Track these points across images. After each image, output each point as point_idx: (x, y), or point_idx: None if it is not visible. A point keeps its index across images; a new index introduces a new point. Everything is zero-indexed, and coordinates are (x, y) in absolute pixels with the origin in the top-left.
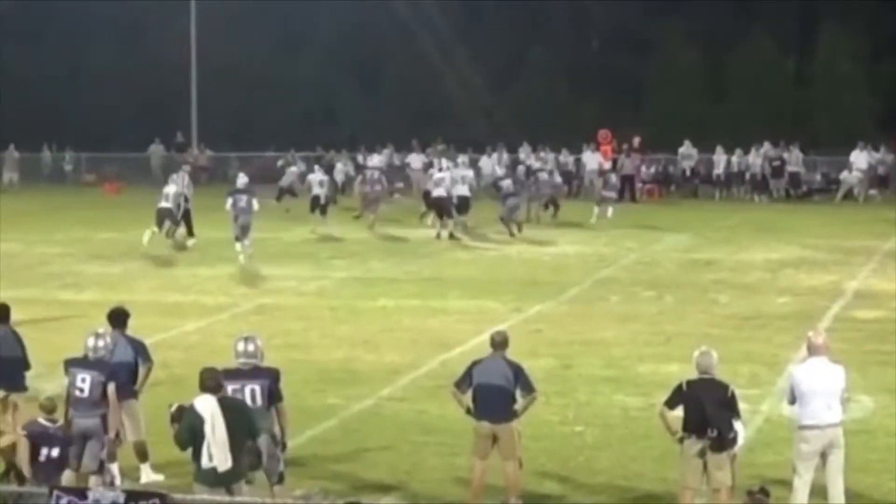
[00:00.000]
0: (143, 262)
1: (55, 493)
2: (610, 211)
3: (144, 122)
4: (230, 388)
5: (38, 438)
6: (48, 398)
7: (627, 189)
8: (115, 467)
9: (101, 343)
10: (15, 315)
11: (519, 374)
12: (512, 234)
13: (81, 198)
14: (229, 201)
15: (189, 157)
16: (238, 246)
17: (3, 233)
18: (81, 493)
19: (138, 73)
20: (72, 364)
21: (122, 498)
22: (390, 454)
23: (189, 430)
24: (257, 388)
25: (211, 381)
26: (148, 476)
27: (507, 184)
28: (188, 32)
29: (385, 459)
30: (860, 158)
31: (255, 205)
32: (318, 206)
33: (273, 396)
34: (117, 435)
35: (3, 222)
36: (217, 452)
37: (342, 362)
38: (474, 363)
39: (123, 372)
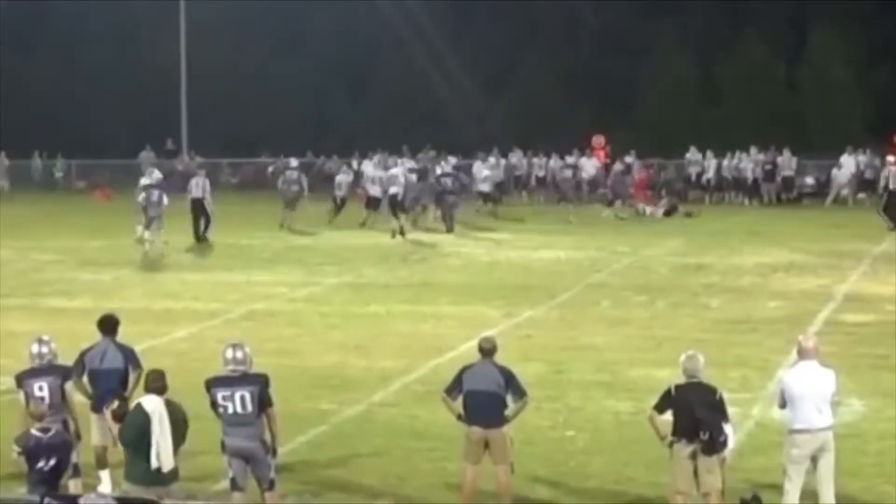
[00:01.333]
0: (134, 268)
1: (46, 500)
2: (606, 212)
3: (135, 128)
4: (220, 395)
5: (33, 451)
6: (35, 404)
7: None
8: (105, 474)
9: (45, 349)
10: (8, 323)
11: (510, 379)
12: (449, 230)
13: (72, 205)
14: (142, 196)
15: (185, 163)
16: (146, 234)
17: None
18: (73, 500)
19: (129, 80)
20: (26, 376)
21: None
22: (382, 459)
23: (136, 428)
24: (247, 395)
25: (156, 382)
26: (105, 485)
27: (447, 182)
28: (178, 39)
29: (377, 465)
30: (849, 163)
31: (165, 200)
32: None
33: (263, 402)
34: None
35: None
36: (164, 453)
37: (333, 368)
38: (464, 369)
39: (114, 379)
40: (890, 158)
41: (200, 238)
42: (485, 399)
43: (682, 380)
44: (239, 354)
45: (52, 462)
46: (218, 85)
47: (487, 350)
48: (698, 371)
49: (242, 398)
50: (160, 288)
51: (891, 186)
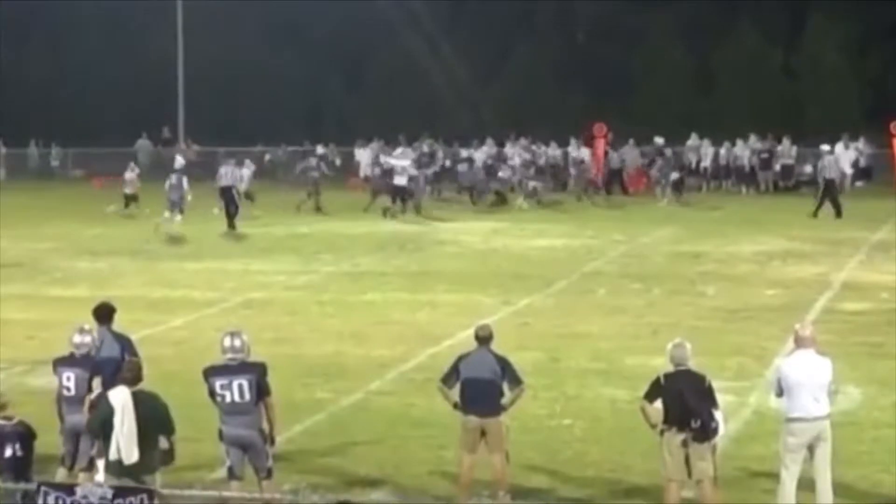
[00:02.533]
0: (130, 257)
1: (42, 489)
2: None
3: (132, 117)
4: (218, 383)
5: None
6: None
7: (617, 182)
8: (101, 463)
9: (86, 339)
10: (6, 312)
11: (506, 368)
12: (403, 212)
13: (69, 193)
14: (170, 178)
15: (181, 150)
16: (167, 214)
17: None
18: (69, 489)
19: (125, 68)
20: (59, 363)
21: (109, 494)
22: (379, 448)
23: (99, 420)
24: (245, 383)
25: (129, 372)
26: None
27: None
28: (175, 27)
29: (373, 453)
30: (847, 155)
31: (185, 183)
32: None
33: (261, 391)
34: None
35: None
36: (124, 445)
37: (330, 356)
38: (461, 357)
39: (110, 368)
40: (825, 147)
41: (231, 226)
42: (481, 387)
43: (670, 368)
44: (237, 343)
45: (19, 450)
46: (214, 73)
47: (483, 338)
48: (686, 359)
49: (240, 386)
50: (157, 276)
51: (827, 176)
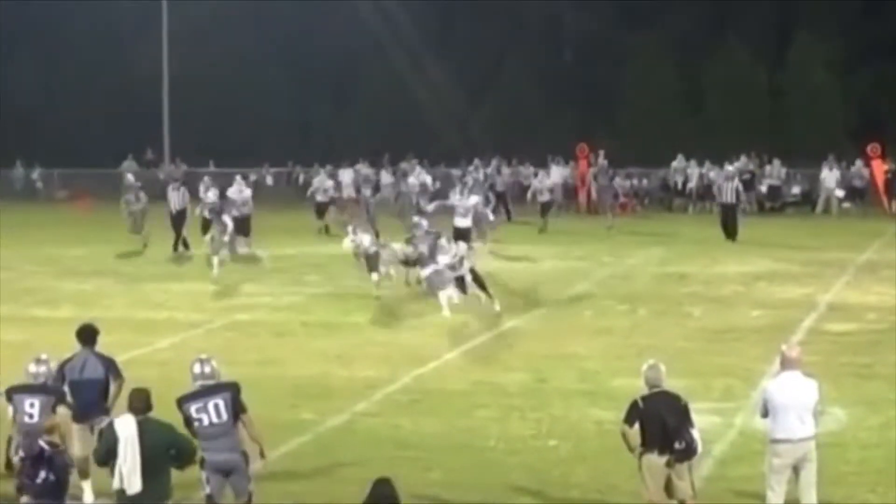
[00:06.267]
0: (115, 278)
1: None
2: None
3: (117, 137)
4: (193, 408)
5: (36, 461)
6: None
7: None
8: (87, 484)
9: (42, 369)
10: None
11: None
12: None
13: (54, 214)
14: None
15: (167, 171)
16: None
17: None
18: None
19: (110, 89)
20: (15, 391)
21: None
22: (364, 469)
23: (104, 449)
24: (220, 402)
25: (136, 402)
26: (88, 496)
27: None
28: (160, 48)
29: (359, 474)
30: (832, 176)
31: (143, 197)
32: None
33: (237, 409)
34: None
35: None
36: (126, 475)
37: (316, 377)
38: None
39: (95, 389)
40: (729, 169)
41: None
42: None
43: (645, 390)
44: (207, 369)
45: (52, 476)
46: (199, 94)
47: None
48: (661, 380)
49: (216, 406)
50: (142, 298)
51: (725, 200)
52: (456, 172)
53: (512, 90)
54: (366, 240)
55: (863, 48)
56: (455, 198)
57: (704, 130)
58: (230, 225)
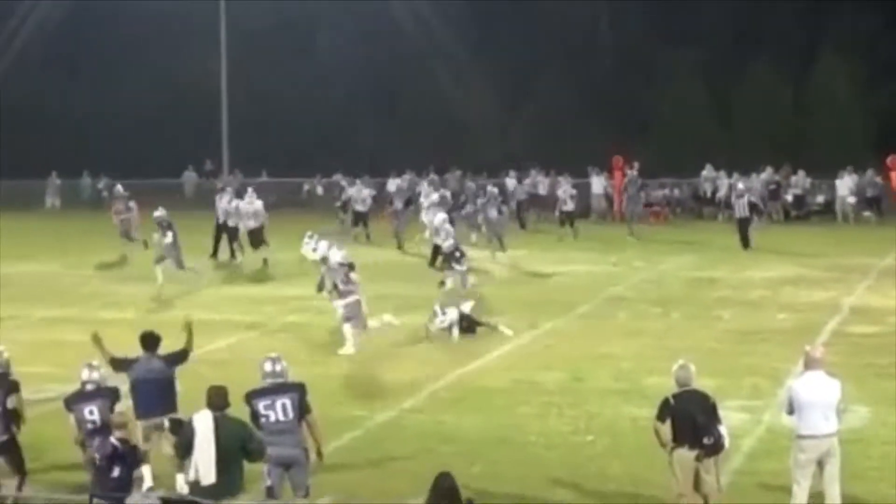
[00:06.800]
0: (175, 283)
1: (94, 500)
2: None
3: (177, 149)
4: (261, 404)
5: (110, 459)
6: (119, 413)
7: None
8: (147, 469)
9: (94, 375)
10: (63, 334)
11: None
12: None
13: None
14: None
15: (226, 181)
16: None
17: (46, 255)
18: (118, 499)
19: (172, 103)
20: (73, 401)
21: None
22: (410, 462)
23: (184, 442)
24: (287, 402)
25: (215, 398)
26: (181, 486)
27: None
28: (220, 66)
29: (405, 467)
30: (844, 183)
31: (133, 206)
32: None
33: (302, 409)
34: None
35: (45, 245)
36: (202, 467)
37: (366, 377)
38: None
39: (156, 388)
40: (740, 186)
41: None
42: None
43: (675, 389)
44: (277, 367)
45: (124, 472)
46: (255, 108)
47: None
48: (691, 379)
49: (284, 406)
50: (200, 301)
51: (739, 214)
52: (471, 184)
53: (550, 104)
54: (322, 247)
55: (884, 64)
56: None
57: (732, 143)
58: (169, 237)
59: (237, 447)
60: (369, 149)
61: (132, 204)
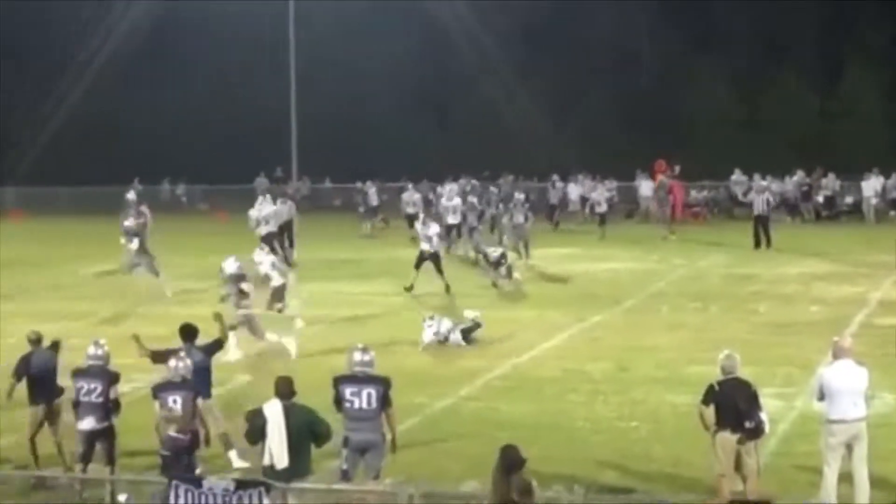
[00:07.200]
0: (250, 279)
1: (174, 481)
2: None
3: (250, 156)
4: (348, 391)
5: (180, 449)
6: (170, 409)
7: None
8: (233, 453)
9: (181, 365)
10: (155, 329)
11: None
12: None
13: (195, 224)
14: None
15: (295, 186)
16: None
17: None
18: (197, 482)
19: (246, 113)
20: (160, 389)
21: (231, 486)
22: (467, 445)
23: (256, 430)
24: (373, 393)
25: (283, 388)
26: (236, 461)
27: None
28: (289, 78)
29: (463, 449)
30: (869, 185)
31: (145, 212)
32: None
33: (385, 401)
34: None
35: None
36: (276, 452)
37: (426, 366)
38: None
39: (204, 376)
40: (762, 184)
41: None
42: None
43: (721, 376)
44: (366, 357)
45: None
46: (322, 118)
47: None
48: (735, 368)
49: (369, 395)
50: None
51: (758, 211)
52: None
53: (594, 113)
54: (266, 261)
55: None
56: (418, 226)
57: (762, 147)
58: (134, 245)
59: (306, 432)
60: (425, 155)
61: (144, 209)
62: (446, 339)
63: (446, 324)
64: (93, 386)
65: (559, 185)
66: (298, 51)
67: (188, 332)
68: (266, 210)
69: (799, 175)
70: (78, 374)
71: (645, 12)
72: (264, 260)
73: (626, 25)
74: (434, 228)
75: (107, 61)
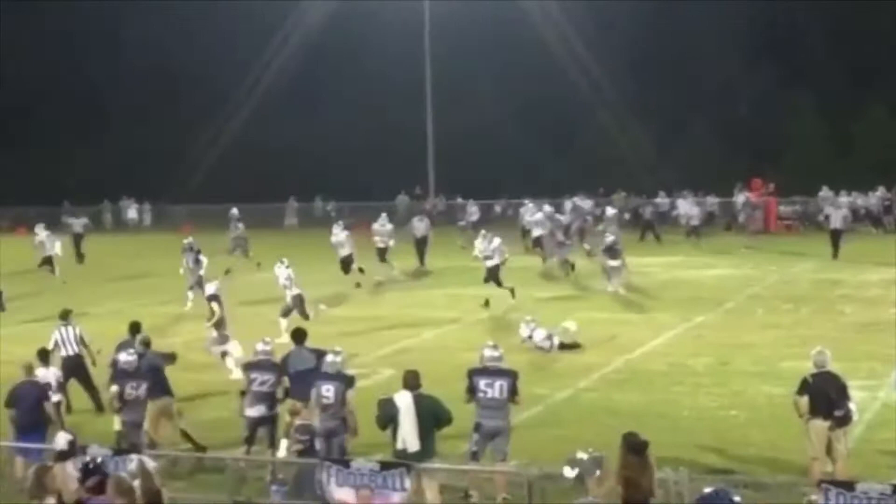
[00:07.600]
0: (386, 285)
1: (325, 462)
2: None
3: (392, 176)
4: (482, 382)
5: (308, 438)
6: (294, 402)
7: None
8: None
9: (338, 359)
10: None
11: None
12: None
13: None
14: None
15: (432, 202)
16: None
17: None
18: (346, 463)
19: (389, 137)
20: (319, 378)
21: (377, 467)
22: (585, 432)
23: (386, 417)
24: (504, 384)
25: (411, 380)
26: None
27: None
28: (425, 105)
29: (581, 436)
30: None
31: (241, 227)
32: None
33: (513, 392)
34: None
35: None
36: (408, 437)
37: (547, 361)
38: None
39: (308, 375)
40: (840, 200)
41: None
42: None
43: (813, 370)
44: (496, 353)
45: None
46: (455, 141)
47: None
48: (826, 363)
49: (501, 386)
50: (410, 300)
51: (834, 226)
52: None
53: (697, 139)
54: (282, 275)
55: None
56: (478, 243)
57: (848, 168)
58: (196, 261)
59: (432, 418)
60: (548, 176)
61: (241, 225)
62: (540, 347)
63: (540, 332)
64: (266, 377)
65: (664, 201)
66: (437, 83)
67: (299, 336)
68: (340, 237)
69: (881, 191)
70: (251, 366)
71: (740, 50)
72: (281, 274)
73: (726, 60)
74: (496, 242)
75: (265, 93)
